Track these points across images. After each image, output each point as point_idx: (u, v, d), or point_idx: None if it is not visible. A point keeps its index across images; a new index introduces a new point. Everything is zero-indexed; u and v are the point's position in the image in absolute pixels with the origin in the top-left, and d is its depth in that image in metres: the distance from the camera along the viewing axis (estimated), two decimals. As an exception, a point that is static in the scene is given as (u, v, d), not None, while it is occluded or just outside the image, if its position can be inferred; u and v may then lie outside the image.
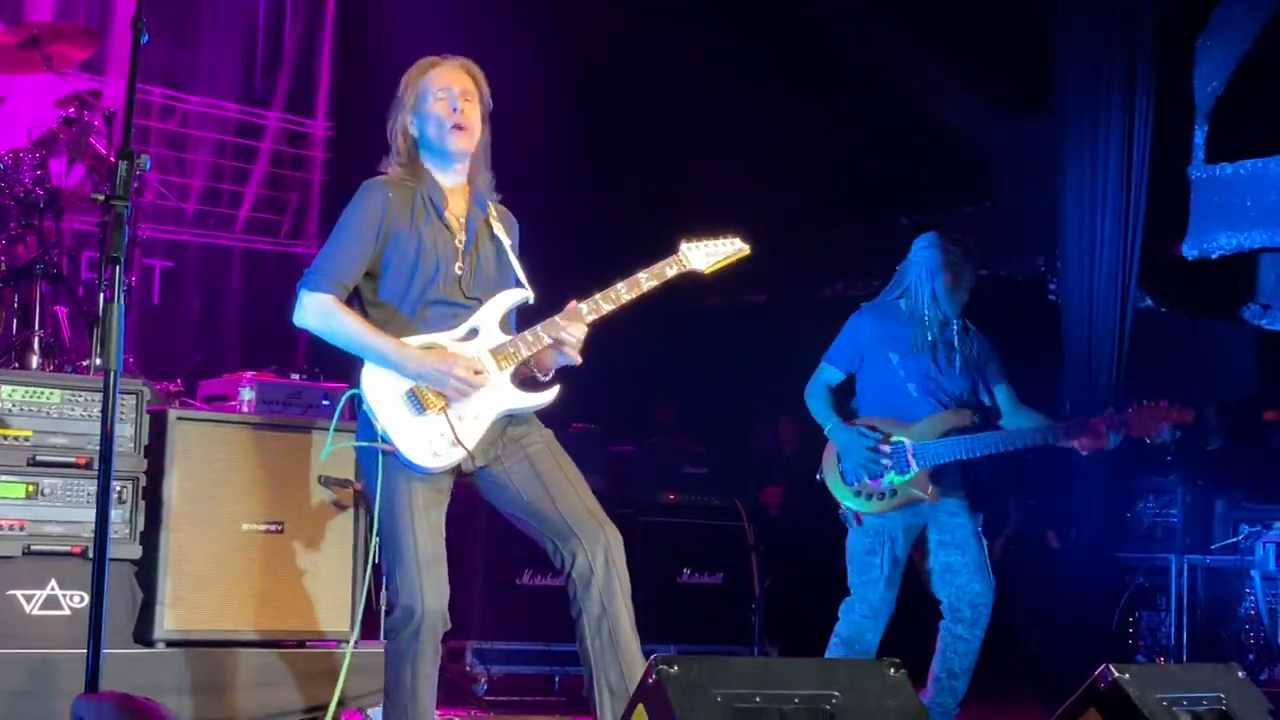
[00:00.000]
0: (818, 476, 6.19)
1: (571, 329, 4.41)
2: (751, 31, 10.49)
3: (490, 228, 4.58)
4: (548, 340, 4.43)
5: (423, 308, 4.43)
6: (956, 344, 6.16)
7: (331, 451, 4.70)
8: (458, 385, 4.31)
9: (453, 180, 4.57)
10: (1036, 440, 6.01)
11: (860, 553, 6.04)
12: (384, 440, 4.32)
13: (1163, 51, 9.40)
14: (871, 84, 10.84)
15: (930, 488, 5.98)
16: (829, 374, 6.21)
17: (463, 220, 4.53)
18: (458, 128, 4.48)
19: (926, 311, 6.12)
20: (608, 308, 4.46)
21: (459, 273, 4.47)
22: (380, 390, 4.34)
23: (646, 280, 4.50)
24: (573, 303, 4.46)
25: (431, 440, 4.32)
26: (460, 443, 4.33)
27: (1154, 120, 9.34)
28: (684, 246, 4.60)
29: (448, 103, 4.48)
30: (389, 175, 4.54)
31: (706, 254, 4.61)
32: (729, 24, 10.41)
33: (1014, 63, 10.10)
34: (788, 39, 10.76)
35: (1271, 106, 9.60)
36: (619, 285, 4.48)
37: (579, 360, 4.48)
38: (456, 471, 4.45)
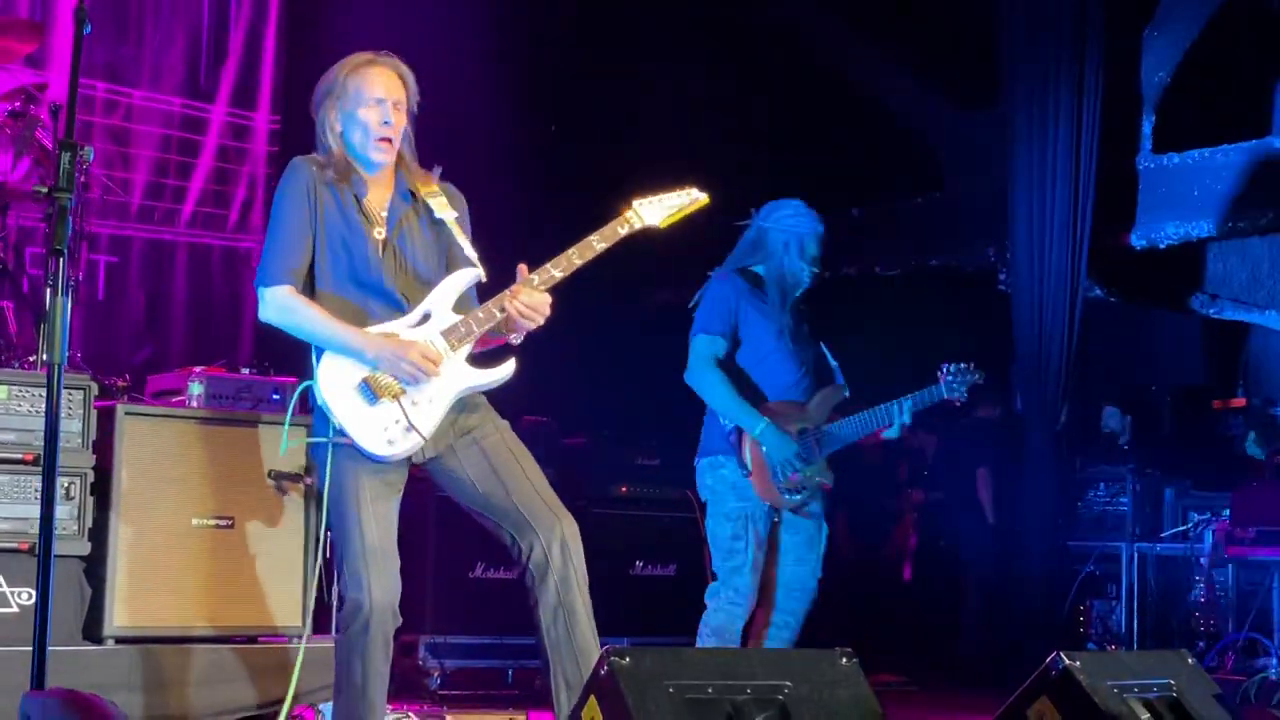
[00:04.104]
0: (744, 473, 5.86)
1: (522, 299, 4.31)
2: (699, 22, 10.48)
3: (421, 215, 4.50)
4: (499, 315, 4.34)
5: (363, 297, 4.38)
6: (804, 311, 5.98)
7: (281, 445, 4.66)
8: (411, 371, 4.27)
9: (374, 172, 4.50)
10: (915, 408, 5.83)
11: (725, 538, 5.85)
12: (340, 434, 4.29)
13: (1110, 42, 9.45)
14: (820, 74, 10.85)
15: (830, 474, 5.87)
16: (716, 346, 5.89)
17: (383, 212, 4.47)
18: (384, 140, 4.43)
19: (792, 278, 5.92)
20: (559, 275, 4.36)
21: (381, 261, 4.41)
22: (333, 382, 4.30)
23: (598, 242, 4.41)
24: (521, 268, 4.37)
25: (387, 428, 4.29)
26: (415, 428, 4.29)
27: (1102, 110, 9.39)
28: (636, 203, 4.51)
29: (380, 114, 4.41)
30: (316, 155, 4.50)
31: (662, 207, 4.53)
32: (676, 14, 10.39)
33: (963, 53, 10.14)
34: (736, 30, 10.75)
35: (1218, 97, 9.67)
36: (570, 251, 4.39)
37: (540, 322, 4.34)
38: (408, 464, 4.43)
